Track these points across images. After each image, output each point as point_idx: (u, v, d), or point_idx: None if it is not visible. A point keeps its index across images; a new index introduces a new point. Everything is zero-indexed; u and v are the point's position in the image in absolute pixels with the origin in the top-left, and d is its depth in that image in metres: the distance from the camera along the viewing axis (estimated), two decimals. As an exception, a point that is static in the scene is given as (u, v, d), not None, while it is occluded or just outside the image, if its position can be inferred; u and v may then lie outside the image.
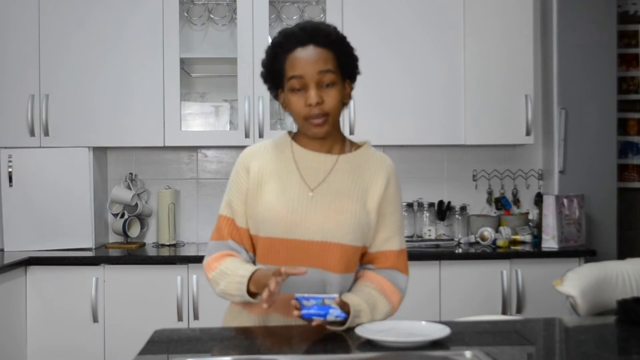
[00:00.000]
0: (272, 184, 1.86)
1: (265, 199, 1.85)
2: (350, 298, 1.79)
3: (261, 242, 1.86)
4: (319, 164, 1.87)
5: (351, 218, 1.83)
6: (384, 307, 1.86)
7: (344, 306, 1.74)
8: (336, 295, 1.72)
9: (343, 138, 1.93)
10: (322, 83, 1.80)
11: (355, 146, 1.94)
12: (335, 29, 1.87)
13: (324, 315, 1.67)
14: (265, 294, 1.67)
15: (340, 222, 1.82)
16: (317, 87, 1.79)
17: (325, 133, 1.83)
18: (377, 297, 1.85)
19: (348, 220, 1.83)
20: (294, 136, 1.93)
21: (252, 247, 1.91)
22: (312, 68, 1.79)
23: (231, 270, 1.82)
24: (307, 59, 1.79)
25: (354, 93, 1.95)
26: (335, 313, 1.68)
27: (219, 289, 1.85)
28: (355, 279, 1.92)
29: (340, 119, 1.90)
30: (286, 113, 1.91)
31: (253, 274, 1.78)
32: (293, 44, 1.82)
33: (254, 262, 1.91)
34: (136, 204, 3.66)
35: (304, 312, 1.67)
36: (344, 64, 1.85)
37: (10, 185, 3.48)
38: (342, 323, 1.74)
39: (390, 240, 1.91)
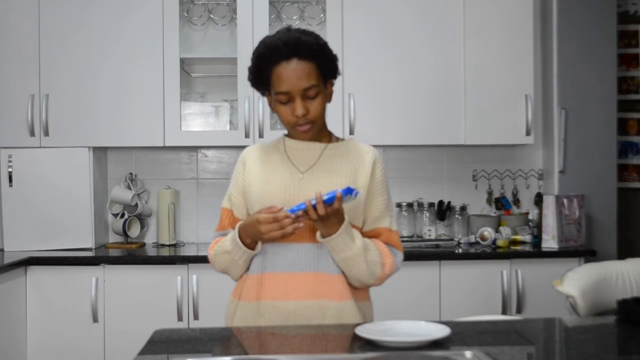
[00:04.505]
0: (264, 170, 1.99)
1: (259, 182, 1.97)
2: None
3: None
4: (309, 151, 1.99)
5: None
6: (376, 257, 1.93)
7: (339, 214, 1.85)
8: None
9: (329, 132, 2.05)
10: (307, 96, 1.90)
11: (340, 140, 2.06)
12: (316, 38, 1.95)
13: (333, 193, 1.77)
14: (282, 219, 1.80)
15: None
16: (302, 99, 1.89)
17: (311, 136, 1.97)
18: (372, 246, 1.93)
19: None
20: (287, 133, 2.06)
21: None
22: (297, 85, 1.88)
23: (223, 239, 1.98)
24: (291, 76, 1.88)
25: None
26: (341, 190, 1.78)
27: (217, 259, 1.98)
28: None
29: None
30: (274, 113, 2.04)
31: (240, 225, 1.91)
32: (277, 58, 1.89)
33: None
34: (136, 204, 3.66)
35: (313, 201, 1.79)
36: (325, 70, 1.95)
37: (10, 185, 3.48)
38: (332, 228, 1.84)
39: (380, 219, 2.00)
